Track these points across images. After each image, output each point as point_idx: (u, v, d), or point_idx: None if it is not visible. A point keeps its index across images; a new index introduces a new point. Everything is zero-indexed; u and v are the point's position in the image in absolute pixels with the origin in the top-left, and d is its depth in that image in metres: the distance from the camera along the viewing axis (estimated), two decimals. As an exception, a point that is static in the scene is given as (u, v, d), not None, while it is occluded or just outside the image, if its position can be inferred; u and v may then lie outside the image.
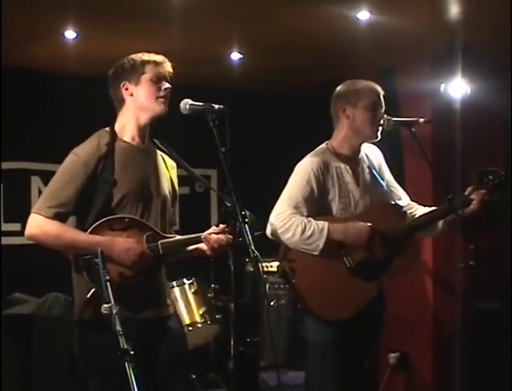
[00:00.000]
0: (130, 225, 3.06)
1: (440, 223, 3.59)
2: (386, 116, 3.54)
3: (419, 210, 3.71)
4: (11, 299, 5.30)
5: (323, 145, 3.62)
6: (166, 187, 3.24)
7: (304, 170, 3.49)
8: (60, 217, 3.03)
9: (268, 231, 3.45)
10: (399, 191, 3.77)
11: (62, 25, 4.71)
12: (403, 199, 3.75)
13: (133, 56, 3.17)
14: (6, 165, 5.75)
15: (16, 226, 5.71)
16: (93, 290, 2.98)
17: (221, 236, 3.09)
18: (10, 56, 5.12)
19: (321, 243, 3.39)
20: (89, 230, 3.03)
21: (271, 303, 5.62)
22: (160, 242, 3.08)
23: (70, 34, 4.85)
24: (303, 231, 3.37)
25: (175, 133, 5.16)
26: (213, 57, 5.45)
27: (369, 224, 3.42)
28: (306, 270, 3.45)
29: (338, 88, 3.64)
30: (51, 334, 5.11)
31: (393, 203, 3.64)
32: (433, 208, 3.61)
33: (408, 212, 3.68)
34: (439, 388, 5.41)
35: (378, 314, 3.64)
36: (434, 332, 5.45)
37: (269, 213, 3.49)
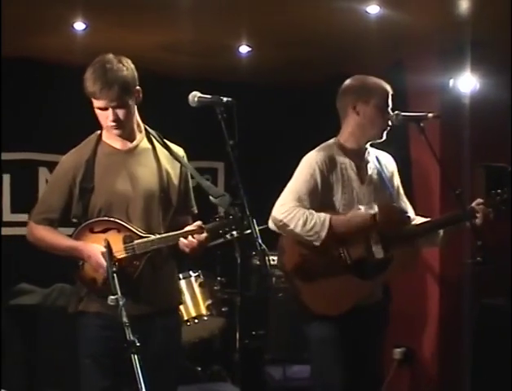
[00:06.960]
0: (110, 227, 3.14)
1: (441, 233, 3.58)
2: (393, 113, 3.51)
3: None
4: (18, 289, 5.31)
5: (331, 140, 3.60)
6: (159, 183, 3.22)
7: (309, 164, 3.48)
8: (48, 222, 3.21)
9: (270, 222, 3.45)
10: (406, 204, 3.74)
11: (71, 16, 4.71)
12: (409, 212, 3.70)
13: None
14: (13, 156, 5.76)
15: (24, 217, 5.71)
16: (85, 290, 3.17)
17: (190, 239, 3.11)
18: (18, 46, 5.13)
19: (323, 234, 3.37)
20: (73, 235, 3.18)
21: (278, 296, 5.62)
22: (136, 242, 3.12)
23: (79, 25, 4.85)
24: (305, 223, 3.36)
25: (183, 125, 5.18)
26: (221, 50, 5.44)
27: (372, 212, 3.42)
28: (302, 263, 3.45)
29: (347, 82, 3.59)
30: (57, 325, 5.12)
31: (397, 205, 3.62)
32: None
33: None
34: (444, 384, 5.40)
35: (382, 309, 3.63)
36: (440, 328, 5.44)
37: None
